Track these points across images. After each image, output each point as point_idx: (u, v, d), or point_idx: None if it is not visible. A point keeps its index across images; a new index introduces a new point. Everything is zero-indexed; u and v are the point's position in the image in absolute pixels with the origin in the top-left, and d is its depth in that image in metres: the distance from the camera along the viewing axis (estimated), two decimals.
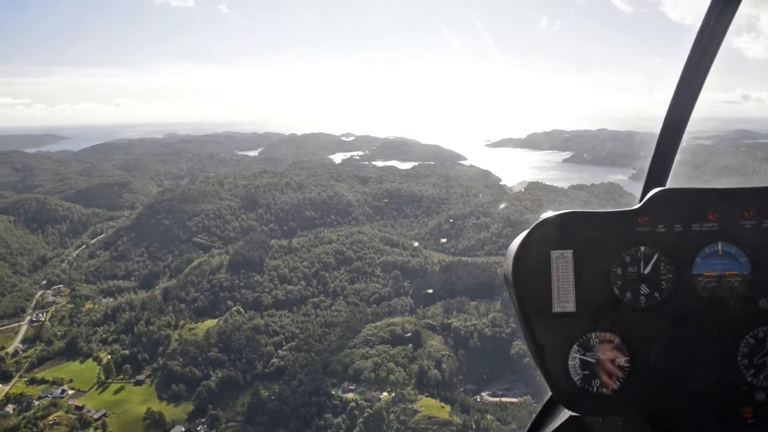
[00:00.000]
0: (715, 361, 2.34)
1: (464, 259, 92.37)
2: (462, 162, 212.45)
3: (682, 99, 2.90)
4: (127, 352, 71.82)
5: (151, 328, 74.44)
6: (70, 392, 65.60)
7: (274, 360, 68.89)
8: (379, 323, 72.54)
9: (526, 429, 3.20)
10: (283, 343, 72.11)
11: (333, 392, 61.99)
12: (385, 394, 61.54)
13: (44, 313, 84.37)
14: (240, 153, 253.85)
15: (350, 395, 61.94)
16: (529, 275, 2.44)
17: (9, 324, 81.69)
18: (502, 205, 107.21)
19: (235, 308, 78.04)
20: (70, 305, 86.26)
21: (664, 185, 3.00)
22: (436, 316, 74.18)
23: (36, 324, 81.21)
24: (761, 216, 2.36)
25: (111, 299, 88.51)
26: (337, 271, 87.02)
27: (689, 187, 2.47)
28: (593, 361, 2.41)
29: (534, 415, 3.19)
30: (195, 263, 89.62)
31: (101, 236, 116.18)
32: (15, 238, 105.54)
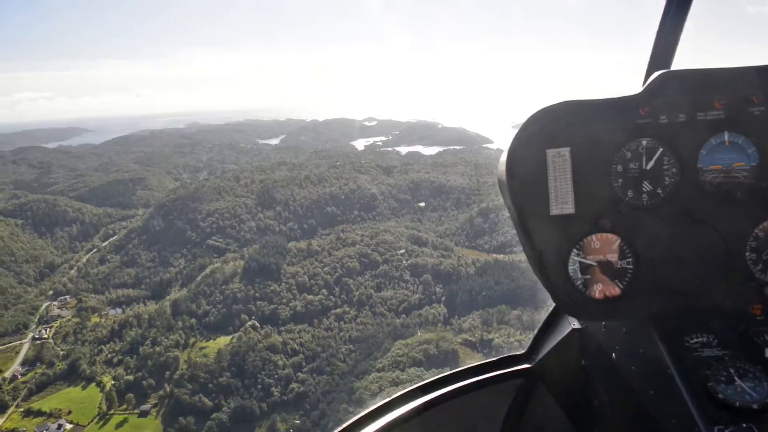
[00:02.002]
0: (723, 257, 2.22)
1: (500, 257, 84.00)
2: (488, 146, 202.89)
3: None
4: (131, 377, 65.08)
5: (158, 348, 67.62)
6: (68, 427, 59.24)
7: (293, 385, 61.62)
8: (410, 340, 64.57)
9: (528, 345, 3.11)
10: (303, 363, 64.80)
11: None
12: None
13: (47, 330, 78.29)
14: (261, 142, 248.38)
15: None
16: (524, 177, 2.27)
17: (11, 342, 76.02)
18: None
19: (249, 323, 70.94)
20: (75, 319, 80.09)
21: (669, 68, 2.64)
22: (473, 330, 66.06)
23: (38, 342, 75.19)
24: None
25: (119, 310, 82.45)
26: (361, 276, 79.23)
27: (692, 68, 2.26)
28: (594, 264, 2.26)
29: (536, 331, 3.09)
30: (207, 271, 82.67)
31: (113, 238, 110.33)
32: (21, 244, 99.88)
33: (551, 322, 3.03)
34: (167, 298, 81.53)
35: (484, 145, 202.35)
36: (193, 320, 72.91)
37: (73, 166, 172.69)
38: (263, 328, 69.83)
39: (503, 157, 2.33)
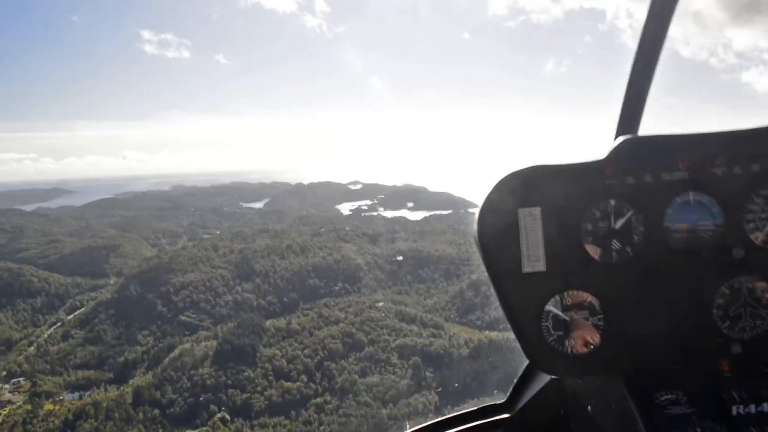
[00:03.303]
0: (691, 314, 2.32)
1: (493, 336, 78.16)
2: (474, 210, 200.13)
3: (651, 36, 2.69)
4: None
5: None
6: None
7: None
8: None
9: (506, 396, 3.14)
10: None
11: None
12: None
13: None
14: (245, 205, 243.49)
15: None
16: (497, 236, 2.37)
17: None
18: None
19: (219, 415, 63.67)
20: (26, 406, 71.95)
21: (635, 133, 2.79)
22: None
23: None
24: (732, 162, 2.30)
25: (77, 395, 74.67)
26: (345, 360, 72.70)
27: (656, 134, 2.40)
28: (567, 320, 2.34)
29: (515, 380, 3.11)
30: (176, 352, 75.73)
31: (79, 311, 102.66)
32: None
33: (530, 372, 3.02)
34: (130, 382, 74.12)
35: (470, 210, 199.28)
36: (156, 411, 65.57)
37: (47, 230, 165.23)
38: (234, 422, 62.68)
39: (476, 216, 2.39)
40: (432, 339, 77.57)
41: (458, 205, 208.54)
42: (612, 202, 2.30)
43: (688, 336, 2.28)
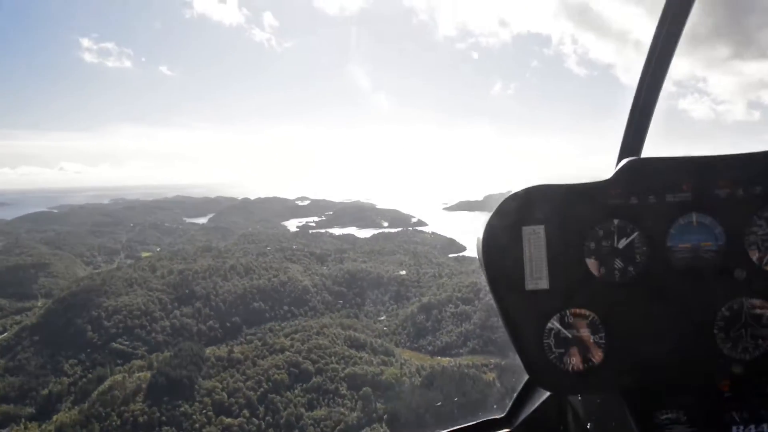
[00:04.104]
0: (692, 334, 2.36)
1: (446, 362, 75.97)
2: (423, 229, 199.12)
3: (654, 63, 2.84)
4: None
5: None
6: None
7: None
8: None
9: (505, 411, 3.14)
10: None
11: None
12: None
13: None
14: (188, 221, 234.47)
15: None
16: (500, 253, 2.41)
17: None
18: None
19: None
20: None
21: (639, 155, 2.98)
22: None
23: None
24: (735, 184, 2.34)
25: None
26: (290, 391, 68.60)
27: (661, 156, 2.45)
28: (569, 337, 2.37)
29: (514, 395, 3.14)
30: (106, 385, 69.76)
31: (1, 336, 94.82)
32: None
33: (530, 387, 3.05)
34: (54, 419, 67.70)
35: (418, 228, 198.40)
36: None
37: None
38: None
39: (481, 233, 2.42)
40: (383, 367, 74.55)
41: (407, 222, 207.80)
42: (615, 221, 2.34)
43: (689, 356, 2.30)
